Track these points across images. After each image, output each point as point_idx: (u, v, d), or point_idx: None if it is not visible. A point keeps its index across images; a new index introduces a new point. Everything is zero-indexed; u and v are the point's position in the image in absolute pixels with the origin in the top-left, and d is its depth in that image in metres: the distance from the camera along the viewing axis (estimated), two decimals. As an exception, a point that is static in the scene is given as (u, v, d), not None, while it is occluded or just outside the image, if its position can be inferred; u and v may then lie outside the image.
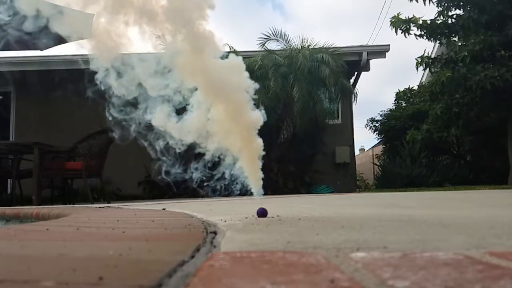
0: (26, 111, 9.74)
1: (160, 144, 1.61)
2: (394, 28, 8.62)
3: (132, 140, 1.65)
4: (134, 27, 1.51)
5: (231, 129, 1.64)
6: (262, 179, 1.69)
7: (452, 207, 2.65)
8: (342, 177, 9.79)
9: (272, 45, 9.33)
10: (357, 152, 14.29)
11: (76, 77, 2.24)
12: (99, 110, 1.59)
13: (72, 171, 5.83)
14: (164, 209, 2.84)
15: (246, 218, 1.68)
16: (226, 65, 1.61)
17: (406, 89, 12.41)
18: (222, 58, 1.61)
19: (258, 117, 1.65)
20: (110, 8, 1.48)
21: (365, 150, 19.48)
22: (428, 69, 8.95)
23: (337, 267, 0.67)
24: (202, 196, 6.27)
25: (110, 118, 1.55)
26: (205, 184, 1.66)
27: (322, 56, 8.56)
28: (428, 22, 8.54)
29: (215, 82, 1.57)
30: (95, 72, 1.54)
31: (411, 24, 8.54)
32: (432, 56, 8.87)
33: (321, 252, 0.81)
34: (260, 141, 1.66)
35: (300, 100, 8.21)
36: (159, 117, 1.58)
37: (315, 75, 8.43)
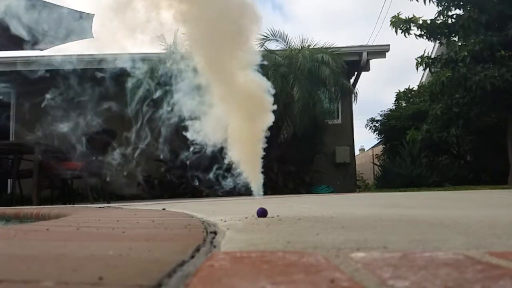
0: (26, 111, 9.73)
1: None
2: (394, 28, 8.63)
3: (132, 139, 1.65)
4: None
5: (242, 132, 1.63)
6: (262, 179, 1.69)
7: (452, 207, 2.65)
8: (342, 177, 9.79)
9: (272, 46, 9.34)
10: (357, 152, 14.29)
11: (77, 77, 2.25)
12: (100, 110, 1.59)
13: (72, 171, 5.82)
14: (164, 209, 2.85)
15: (246, 218, 1.68)
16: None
17: (406, 89, 12.42)
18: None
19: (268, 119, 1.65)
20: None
21: (365, 150, 19.46)
22: (428, 69, 8.95)
23: (337, 267, 0.67)
24: (203, 196, 6.27)
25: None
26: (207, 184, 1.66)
27: (322, 56, 8.56)
28: (428, 22, 8.54)
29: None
30: (96, 72, 1.54)
31: (411, 24, 8.55)
32: (432, 56, 8.86)
33: (321, 252, 0.81)
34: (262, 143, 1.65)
35: (300, 100, 8.20)
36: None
37: (315, 75, 8.43)
